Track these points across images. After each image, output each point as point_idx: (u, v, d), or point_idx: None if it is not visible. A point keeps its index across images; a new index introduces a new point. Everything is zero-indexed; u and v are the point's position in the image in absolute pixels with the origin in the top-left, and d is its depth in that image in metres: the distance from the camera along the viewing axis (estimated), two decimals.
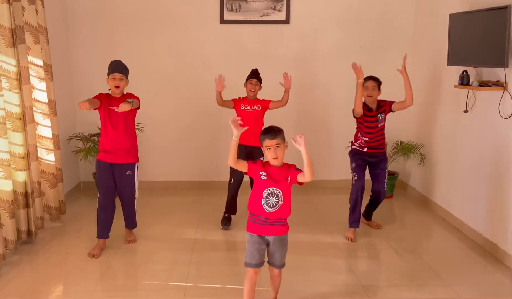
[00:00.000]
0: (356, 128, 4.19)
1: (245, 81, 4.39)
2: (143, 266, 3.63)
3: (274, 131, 2.67)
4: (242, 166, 2.75)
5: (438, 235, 4.26)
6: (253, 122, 4.27)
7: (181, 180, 5.59)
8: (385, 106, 4.08)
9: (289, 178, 2.67)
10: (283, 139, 2.69)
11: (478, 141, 4.00)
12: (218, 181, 5.37)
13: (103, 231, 3.84)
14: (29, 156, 3.87)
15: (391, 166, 5.34)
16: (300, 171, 2.68)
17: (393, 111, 4.09)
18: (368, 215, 4.39)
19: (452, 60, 4.13)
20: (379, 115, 4.06)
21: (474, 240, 4.02)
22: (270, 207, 2.67)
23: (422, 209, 4.91)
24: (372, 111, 4.05)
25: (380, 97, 4.11)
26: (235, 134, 2.65)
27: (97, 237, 3.84)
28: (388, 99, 4.15)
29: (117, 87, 3.68)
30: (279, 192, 2.66)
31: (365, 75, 3.98)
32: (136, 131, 5.19)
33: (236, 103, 4.37)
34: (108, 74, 3.70)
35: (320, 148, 5.56)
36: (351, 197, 4.14)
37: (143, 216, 4.61)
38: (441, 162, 4.71)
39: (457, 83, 4.03)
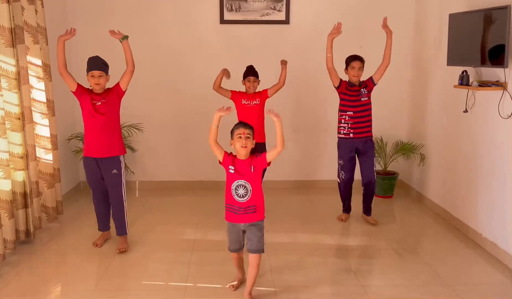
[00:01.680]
0: (339, 107, 4.31)
1: (242, 78, 4.41)
2: (143, 266, 3.62)
3: (248, 124, 2.94)
4: (219, 153, 2.95)
5: (438, 235, 4.25)
6: (255, 117, 4.29)
7: (181, 180, 5.59)
8: (367, 82, 4.25)
9: (252, 167, 2.90)
10: (253, 136, 2.93)
11: (478, 141, 4.00)
12: (218, 181, 5.36)
13: (103, 224, 3.98)
14: (28, 155, 3.87)
15: (391, 166, 5.35)
16: (264, 152, 2.94)
17: (376, 83, 4.25)
18: (367, 210, 4.43)
19: (452, 60, 4.13)
20: (362, 89, 4.21)
21: (474, 240, 4.02)
22: (240, 197, 2.92)
23: (422, 209, 4.91)
24: (354, 86, 4.21)
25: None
26: (216, 117, 2.89)
27: (98, 230, 3.98)
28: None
29: (97, 84, 3.63)
30: (247, 183, 2.90)
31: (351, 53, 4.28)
32: (136, 131, 5.25)
33: (235, 96, 4.42)
34: (87, 71, 3.62)
35: (320, 148, 5.56)
36: (341, 193, 4.49)
37: (143, 216, 4.61)
38: (441, 162, 4.71)
39: (457, 83, 4.03)
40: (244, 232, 3.01)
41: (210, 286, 3.26)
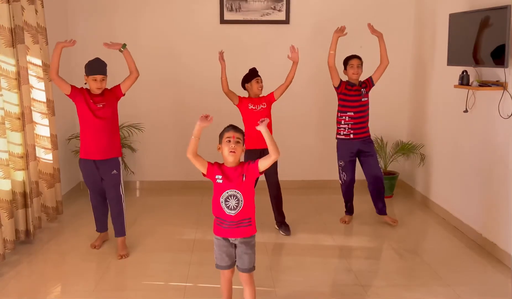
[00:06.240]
0: (338, 107, 4.30)
1: (247, 83, 4.27)
2: (143, 266, 3.62)
3: (238, 128, 2.65)
4: (201, 165, 2.63)
5: (438, 235, 4.25)
6: None
7: (181, 180, 5.59)
8: (366, 82, 4.27)
9: (244, 175, 2.59)
10: (243, 140, 2.64)
11: (478, 141, 4.00)
12: None
13: (101, 226, 3.97)
14: (28, 155, 3.86)
15: (391, 166, 5.35)
16: (257, 160, 2.63)
17: (374, 84, 4.28)
18: (381, 210, 4.38)
19: (452, 60, 4.13)
20: (362, 89, 4.23)
21: (474, 240, 4.02)
22: (230, 209, 2.58)
23: (422, 208, 4.91)
24: (354, 86, 4.22)
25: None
26: (197, 128, 2.62)
27: (96, 231, 3.96)
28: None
29: (99, 89, 3.59)
30: (238, 193, 2.58)
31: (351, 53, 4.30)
32: (136, 131, 5.25)
33: (242, 101, 4.22)
34: (88, 74, 3.57)
35: (320, 148, 5.56)
36: (343, 194, 4.46)
37: (143, 216, 4.61)
38: (441, 162, 4.71)
39: (457, 83, 4.03)
40: (235, 246, 2.69)
41: (210, 286, 3.26)
